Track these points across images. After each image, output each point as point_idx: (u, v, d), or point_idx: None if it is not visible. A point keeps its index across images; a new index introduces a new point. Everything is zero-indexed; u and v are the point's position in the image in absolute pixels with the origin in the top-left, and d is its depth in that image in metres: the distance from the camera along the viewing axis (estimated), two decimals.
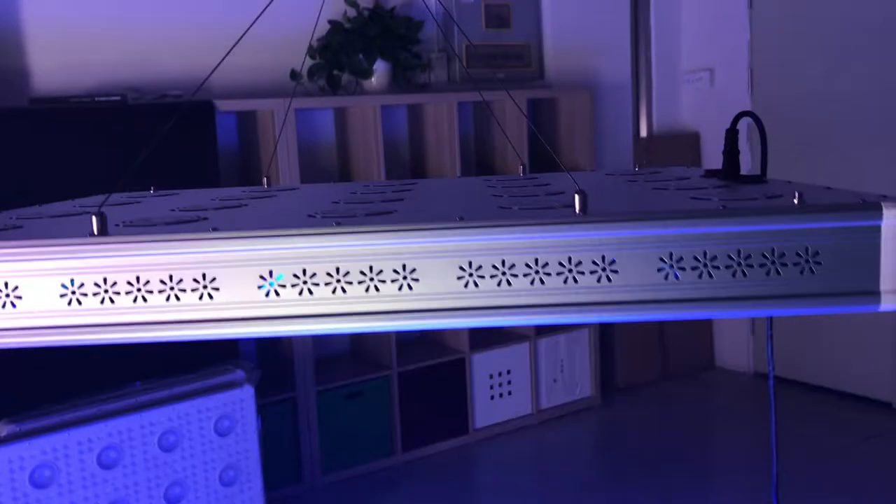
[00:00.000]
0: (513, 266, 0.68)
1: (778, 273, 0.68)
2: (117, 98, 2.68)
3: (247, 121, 3.03)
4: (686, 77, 3.82)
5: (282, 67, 3.01)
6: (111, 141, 2.55)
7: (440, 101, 3.21)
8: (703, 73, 3.74)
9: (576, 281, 0.68)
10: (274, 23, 2.56)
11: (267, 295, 0.69)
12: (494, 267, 0.68)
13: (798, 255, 0.67)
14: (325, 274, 0.69)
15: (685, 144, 3.83)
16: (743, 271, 0.68)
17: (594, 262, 0.68)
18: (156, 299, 0.69)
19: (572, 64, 3.64)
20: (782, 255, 0.67)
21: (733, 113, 1.10)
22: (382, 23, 3.14)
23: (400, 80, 3.23)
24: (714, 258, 0.68)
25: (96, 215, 0.71)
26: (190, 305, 0.69)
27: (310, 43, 3.04)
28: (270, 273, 0.69)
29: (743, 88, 3.56)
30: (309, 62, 3.11)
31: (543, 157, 3.61)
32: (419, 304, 0.69)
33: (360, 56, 3.13)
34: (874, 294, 0.68)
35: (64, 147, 2.52)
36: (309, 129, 3.21)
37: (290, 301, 0.69)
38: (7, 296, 0.69)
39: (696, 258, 0.68)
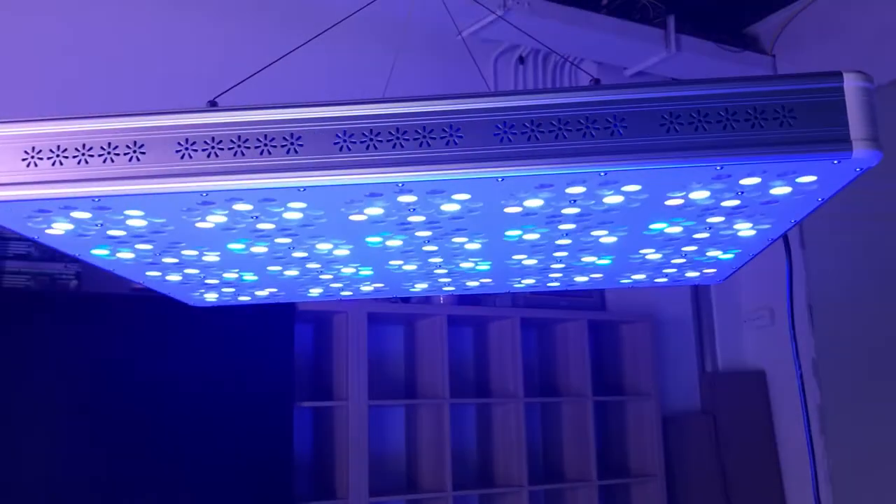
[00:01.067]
0: (539, 125, 0.84)
1: (761, 126, 0.81)
2: None
3: (323, 328, 3.26)
4: (747, 317, 3.95)
5: None
6: (200, 327, 2.81)
7: (504, 316, 3.40)
8: (764, 311, 3.87)
9: (592, 136, 0.83)
10: None
11: (340, 150, 0.86)
12: (525, 125, 0.84)
13: (776, 111, 0.82)
14: (387, 133, 0.86)
15: (751, 382, 3.86)
16: (732, 125, 0.82)
17: (607, 120, 0.83)
18: (252, 153, 0.87)
19: (633, 297, 3.83)
20: (763, 111, 0.82)
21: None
22: None
23: (466, 299, 3.46)
24: (706, 115, 0.82)
25: (210, 101, 0.92)
26: (280, 158, 0.86)
27: None
28: (344, 132, 0.86)
29: (804, 326, 3.66)
30: None
31: (607, 381, 3.68)
32: (463, 154, 0.84)
33: None
34: (846, 142, 0.80)
35: (158, 331, 2.78)
36: (379, 340, 3.41)
37: (359, 154, 0.85)
38: (134, 152, 0.88)
39: (691, 115, 0.83)
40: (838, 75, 0.82)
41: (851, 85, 0.81)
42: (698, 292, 4.04)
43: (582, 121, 0.83)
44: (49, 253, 2.76)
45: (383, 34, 3.28)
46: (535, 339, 3.72)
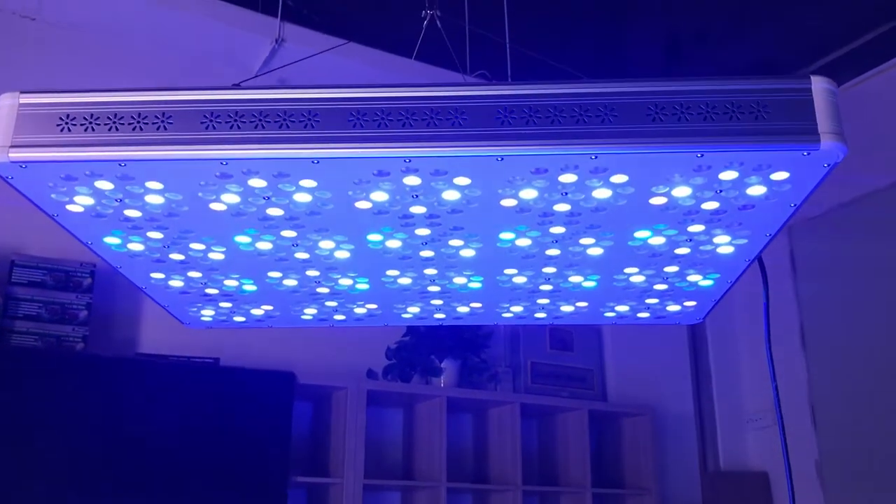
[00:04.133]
0: (537, 111, 0.97)
1: (738, 119, 0.95)
2: (211, 360, 3.06)
3: (321, 404, 3.33)
4: (749, 417, 4.02)
5: (360, 365, 3.43)
6: (201, 394, 2.90)
7: (504, 402, 3.48)
8: (766, 412, 3.93)
9: (585, 122, 0.96)
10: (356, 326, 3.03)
11: (353, 126, 0.99)
12: (523, 110, 0.98)
13: (751, 106, 0.95)
14: (397, 113, 0.99)
15: (753, 483, 3.89)
16: (711, 117, 0.95)
17: (599, 109, 0.97)
18: (272, 127, 0.99)
19: (634, 392, 3.91)
20: (739, 106, 0.95)
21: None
22: (454, 328, 3.57)
23: (466, 384, 3.55)
24: (688, 108, 0.96)
25: (234, 84, 1.05)
26: (297, 132, 0.99)
27: (388, 346, 3.50)
28: (358, 111, 0.99)
29: (807, 427, 3.72)
30: (385, 362, 3.51)
31: (607, 474, 3.72)
32: (466, 133, 0.97)
33: (432, 356, 3.52)
34: (815, 134, 0.94)
35: (159, 396, 2.86)
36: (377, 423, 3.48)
37: (370, 130, 0.98)
38: (162, 121, 1.00)
39: (674, 107, 0.96)
40: (807, 77, 0.95)
41: (819, 87, 0.95)
42: (700, 389, 4.12)
43: (576, 109, 0.97)
44: (58, 315, 2.88)
45: None
46: (536, 427, 3.79)
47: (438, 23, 1.40)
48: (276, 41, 3.42)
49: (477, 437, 3.65)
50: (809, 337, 3.85)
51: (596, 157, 0.97)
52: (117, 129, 1.01)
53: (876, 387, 3.53)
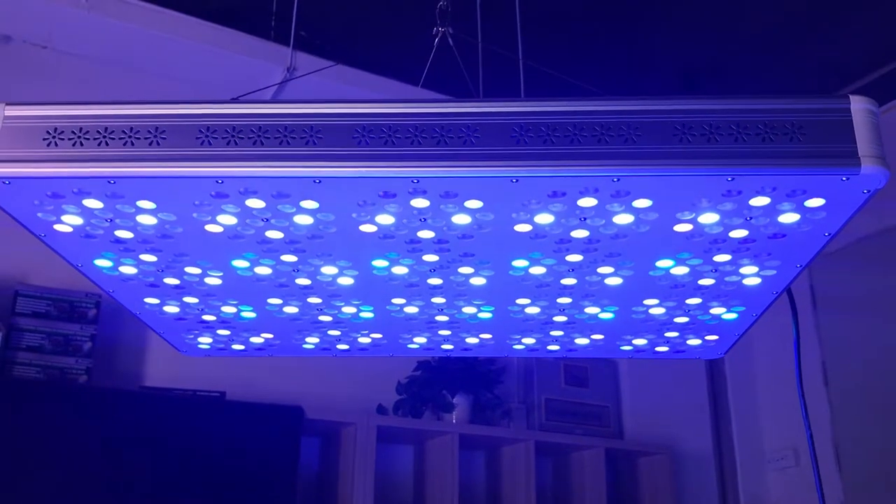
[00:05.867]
0: (555, 130, 0.91)
1: (771, 140, 0.89)
2: (217, 394, 2.99)
3: (330, 440, 3.25)
4: (770, 457, 3.91)
5: (370, 400, 3.35)
6: (205, 430, 2.84)
7: (518, 439, 3.40)
8: (787, 452, 3.83)
9: (607, 141, 0.90)
10: (366, 360, 2.94)
11: (358, 144, 0.93)
12: (541, 129, 0.91)
13: (786, 127, 0.89)
14: (405, 130, 0.93)
15: None
16: (743, 138, 0.89)
17: (622, 128, 0.91)
18: (271, 143, 0.94)
19: (652, 430, 3.81)
20: (773, 126, 0.89)
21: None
22: (466, 362, 3.49)
23: (479, 420, 3.47)
24: (718, 128, 0.90)
25: (233, 98, 1.00)
26: (298, 148, 0.93)
27: (398, 381, 3.42)
28: (363, 128, 0.93)
29: (831, 467, 3.61)
30: (396, 397, 3.43)
31: None
32: (479, 152, 0.91)
33: (444, 391, 3.44)
34: (854, 157, 0.87)
35: (163, 431, 2.79)
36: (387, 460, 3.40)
37: (376, 148, 0.92)
38: (155, 136, 0.95)
39: (703, 127, 0.90)
40: (845, 97, 0.89)
41: (858, 106, 0.89)
42: (719, 427, 4.02)
43: (597, 128, 0.91)
44: (62, 346, 2.82)
45: None
46: (550, 465, 3.69)
47: (450, 40, 1.35)
48: (288, 70, 3.39)
49: (490, 476, 3.56)
50: (832, 374, 3.75)
51: (618, 180, 0.90)
52: (107, 143, 0.95)
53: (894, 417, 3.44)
